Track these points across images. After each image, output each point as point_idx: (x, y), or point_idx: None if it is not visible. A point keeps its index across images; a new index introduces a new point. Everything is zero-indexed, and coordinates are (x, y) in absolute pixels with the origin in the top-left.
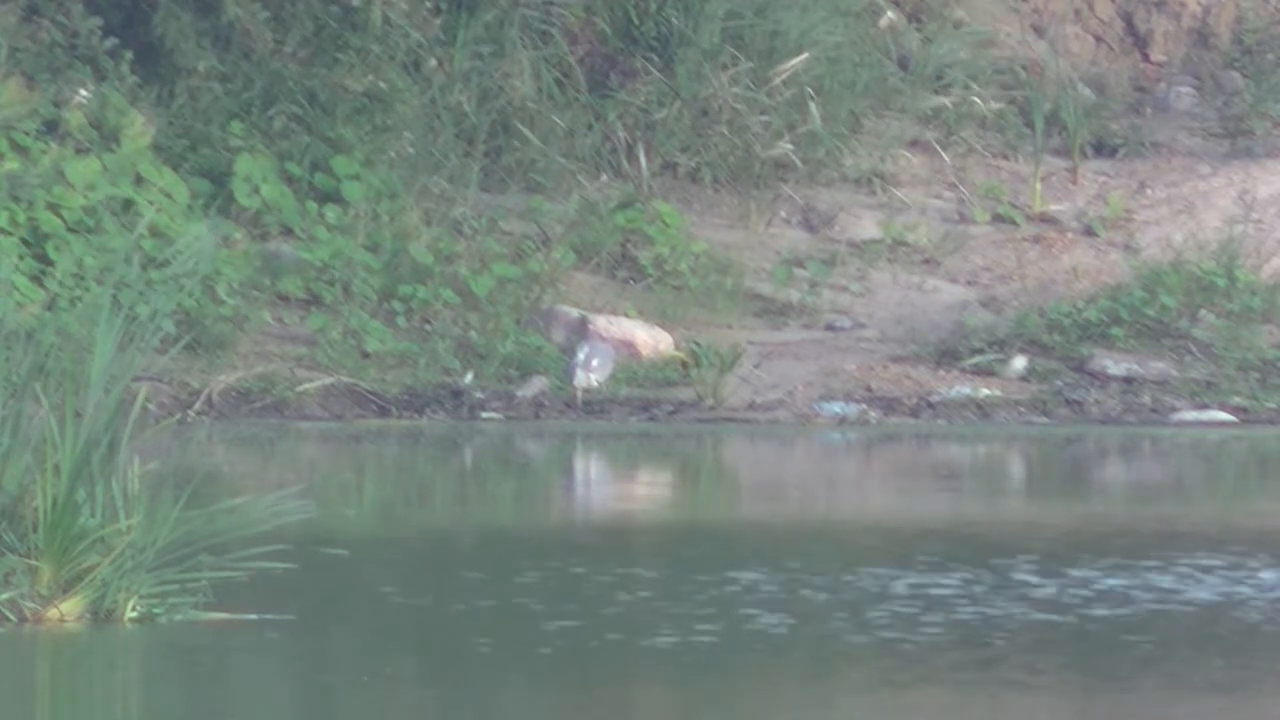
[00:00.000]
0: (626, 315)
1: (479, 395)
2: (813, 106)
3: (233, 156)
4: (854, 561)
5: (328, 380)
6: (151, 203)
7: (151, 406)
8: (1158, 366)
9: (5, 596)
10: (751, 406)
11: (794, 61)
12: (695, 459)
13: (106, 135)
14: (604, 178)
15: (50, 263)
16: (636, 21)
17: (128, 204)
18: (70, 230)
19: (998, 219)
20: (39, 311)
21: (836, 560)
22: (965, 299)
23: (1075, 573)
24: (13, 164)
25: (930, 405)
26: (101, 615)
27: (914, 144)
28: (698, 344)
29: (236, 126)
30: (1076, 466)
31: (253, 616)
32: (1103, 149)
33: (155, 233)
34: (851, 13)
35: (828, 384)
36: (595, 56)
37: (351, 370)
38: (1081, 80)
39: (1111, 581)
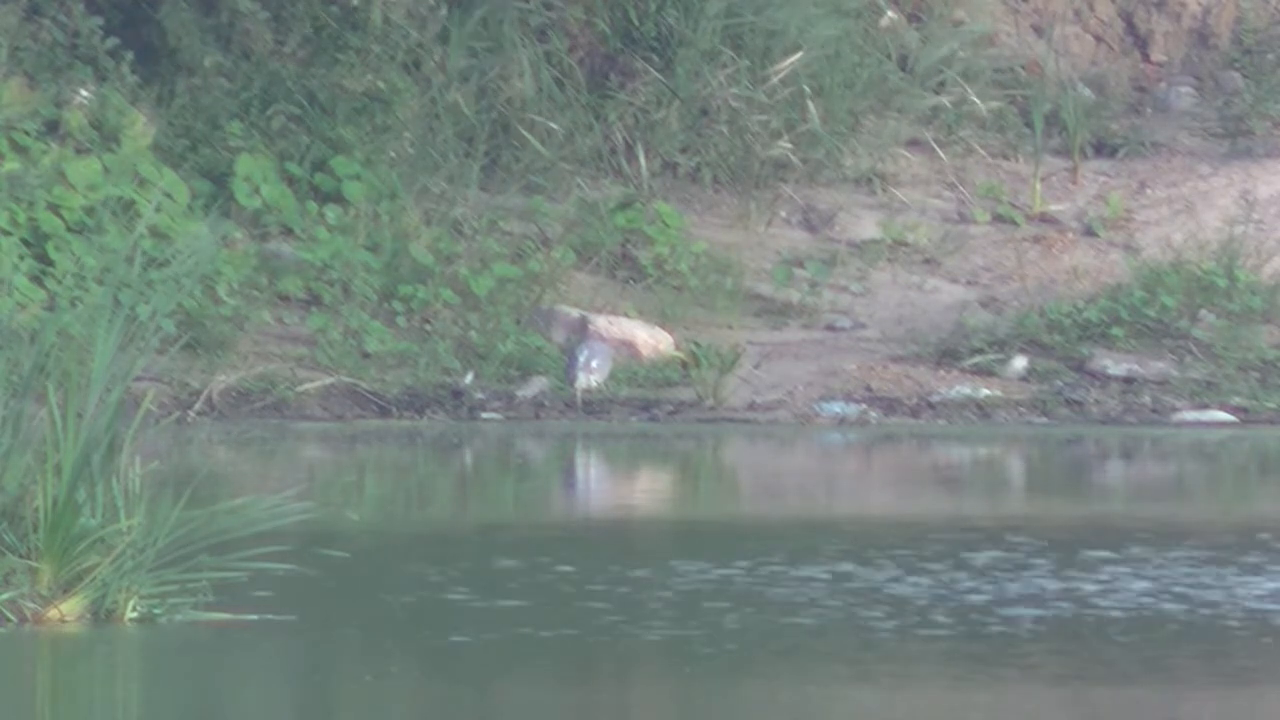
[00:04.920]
0: (626, 315)
1: (479, 395)
2: (811, 106)
3: (233, 156)
4: (853, 558)
5: (328, 380)
6: (152, 202)
7: (152, 407)
8: (1158, 366)
9: (5, 596)
10: (751, 406)
11: (790, 60)
12: (695, 459)
13: (107, 135)
14: (604, 178)
15: (51, 263)
16: (636, 21)
17: (128, 204)
18: (71, 230)
19: (998, 219)
20: (39, 312)
21: (835, 557)
22: (965, 299)
23: (1074, 570)
24: (13, 164)
25: (930, 405)
26: (101, 615)
27: (913, 144)
28: (698, 344)
29: (236, 126)
30: (1076, 466)
31: (253, 616)
32: (1103, 149)
33: (155, 233)
34: (851, 12)
35: (828, 384)
36: (595, 56)
37: (351, 370)
38: (1081, 80)
39: (1110, 579)
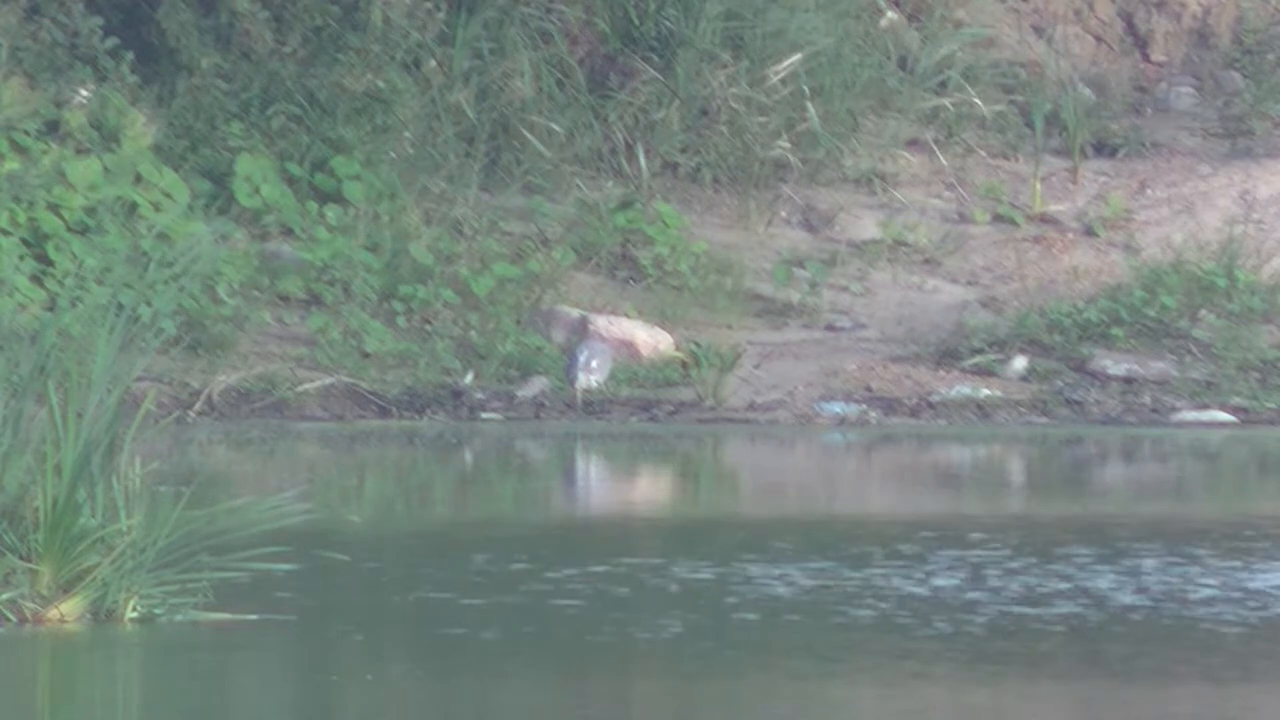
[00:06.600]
0: (626, 315)
1: (479, 395)
2: (810, 106)
3: (233, 156)
4: (851, 558)
5: (328, 380)
6: (154, 204)
7: (152, 407)
8: (1158, 366)
9: (5, 597)
10: (751, 406)
11: (789, 61)
12: (694, 459)
13: (107, 135)
14: (604, 178)
15: (51, 263)
16: (636, 22)
17: (128, 204)
18: (71, 231)
19: (998, 219)
20: (39, 312)
21: (833, 557)
22: (965, 299)
23: (1072, 569)
24: (13, 164)
25: (930, 405)
26: (102, 615)
27: (913, 144)
28: (698, 344)
29: (236, 126)
30: (1076, 466)
31: (253, 616)
32: (1103, 149)
33: (155, 233)
34: (851, 12)
35: (828, 384)
36: (595, 56)
37: (351, 370)
38: (1081, 80)
39: (1109, 578)
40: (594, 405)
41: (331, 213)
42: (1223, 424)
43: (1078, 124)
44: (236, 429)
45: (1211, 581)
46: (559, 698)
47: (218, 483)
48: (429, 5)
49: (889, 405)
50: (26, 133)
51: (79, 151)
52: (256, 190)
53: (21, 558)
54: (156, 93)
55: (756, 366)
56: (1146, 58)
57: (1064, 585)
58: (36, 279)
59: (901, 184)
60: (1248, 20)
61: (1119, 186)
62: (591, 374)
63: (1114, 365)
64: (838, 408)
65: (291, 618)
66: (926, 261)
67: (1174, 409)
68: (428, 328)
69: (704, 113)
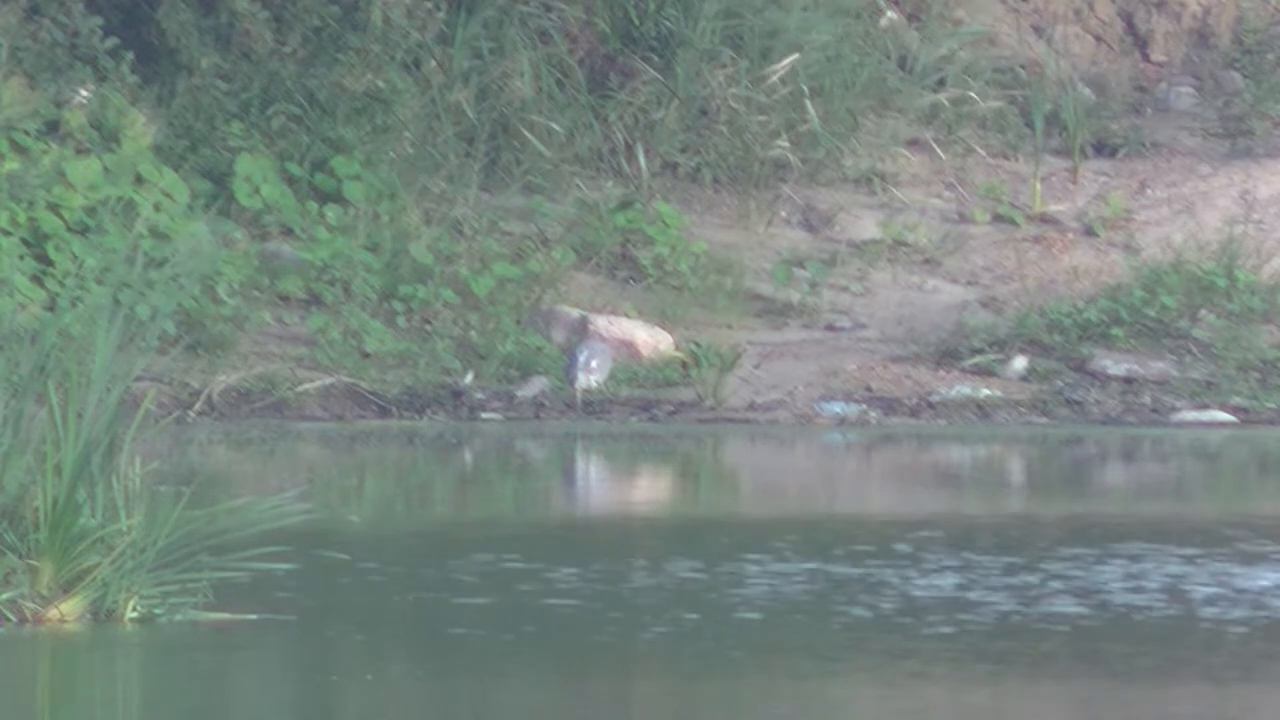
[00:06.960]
0: (626, 315)
1: (479, 395)
2: (810, 106)
3: (233, 156)
4: (850, 557)
5: (328, 380)
6: (154, 204)
7: (152, 407)
8: (1158, 366)
9: (5, 596)
10: (751, 406)
11: (787, 60)
12: (694, 459)
13: (107, 135)
14: (604, 178)
15: (51, 263)
16: (636, 21)
17: (128, 204)
18: (71, 231)
19: (998, 219)
20: (39, 312)
21: (832, 556)
22: (965, 299)
23: (1071, 569)
24: (13, 164)
25: (930, 405)
26: (102, 615)
27: (913, 144)
28: (698, 344)
29: (236, 126)
30: (1076, 466)
31: (253, 616)
32: (1103, 149)
33: (155, 233)
34: (850, 12)
35: (828, 384)
36: (595, 56)
37: (351, 370)
38: (1081, 80)
39: (1108, 577)
40: (594, 405)
41: (331, 213)
42: (1223, 424)
43: (1078, 124)
44: (236, 429)
45: (1211, 581)
46: (559, 698)
47: (218, 483)
48: (429, 5)
49: (889, 405)
50: (26, 133)
51: (79, 151)
52: (256, 190)
53: (21, 557)
54: (156, 93)
55: (756, 366)
56: (1146, 58)
57: (1064, 585)
58: (36, 279)
59: (901, 184)
60: (1248, 20)
61: (1119, 186)
62: (591, 374)
63: (1114, 365)
64: (838, 408)
65: (291, 618)
66: (926, 261)
67: (1174, 409)
68: (428, 328)
69: (704, 113)
